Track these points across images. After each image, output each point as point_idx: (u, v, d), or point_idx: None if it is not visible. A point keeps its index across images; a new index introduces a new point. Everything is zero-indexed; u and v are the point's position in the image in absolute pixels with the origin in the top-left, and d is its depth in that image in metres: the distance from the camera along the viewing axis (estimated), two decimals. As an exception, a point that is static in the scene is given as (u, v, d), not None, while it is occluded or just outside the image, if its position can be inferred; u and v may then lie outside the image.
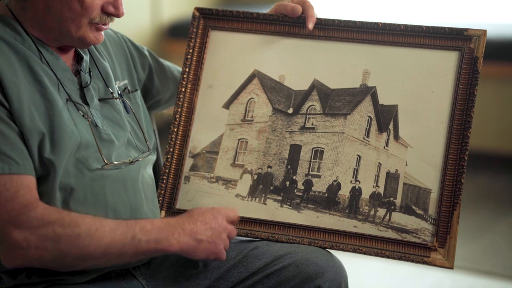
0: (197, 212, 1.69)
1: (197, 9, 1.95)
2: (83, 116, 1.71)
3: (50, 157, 1.62)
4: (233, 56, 1.93)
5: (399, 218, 1.79)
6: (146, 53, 2.01)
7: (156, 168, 1.94)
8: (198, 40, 1.94)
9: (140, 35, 5.31)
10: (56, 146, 1.64)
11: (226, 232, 1.71)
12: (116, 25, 2.02)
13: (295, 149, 1.87)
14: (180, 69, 2.02)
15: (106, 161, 1.70)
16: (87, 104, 1.74)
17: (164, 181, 1.88)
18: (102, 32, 1.74)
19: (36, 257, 1.55)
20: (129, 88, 1.90)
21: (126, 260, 1.64)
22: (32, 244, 1.54)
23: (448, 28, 1.83)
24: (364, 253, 1.78)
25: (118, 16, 1.72)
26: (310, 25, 1.88)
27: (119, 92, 1.86)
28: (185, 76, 1.91)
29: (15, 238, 1.54)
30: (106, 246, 1.58)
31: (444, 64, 1.83)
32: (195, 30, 1.94)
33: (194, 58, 1.93)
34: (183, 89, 1.91)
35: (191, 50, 1.93)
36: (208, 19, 1.95)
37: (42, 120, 1.64)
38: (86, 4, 1.67)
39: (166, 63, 2.07)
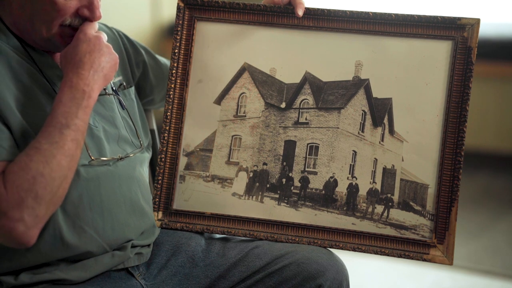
0: (77, 61, 1.63)
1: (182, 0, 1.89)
2: None
3: None
4: (222, 49, 1.89)
5: (397, 214, 1.81)
6: (142, 50, 1.98)
7: (154, 167, 1.93)
8: (184, 32, 1.89)
9: (140, 35, 5.26)
10: None
11: (103, 42, 1.67)
12: (116, 25, 1.98)
13: (290, 145, 1.86)
14: None
15: (92, 157, 1.69)
16: None
17: (160, 181, 1.87)
18: None
19: (28, 216, 1.52)
20: (124, 84, 1.88)
21: (83, 139, 1.61)
22: (25, 216, 1.52)
23: (441, 17, 1.80)
24: (364, 252, 1.80)
25: (93, 19, 1.69)
26: (300, 12, 1.83)
27: (113, 88, 1.83)
28: (173, 71, 1.88)
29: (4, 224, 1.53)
30: (64, 156, 1.55)
31: (437, 54, 1.81)
32: (180, 22, 1.89)
33: (182, 52, 1.89)
34: (172, 85, 1.88)
35: (178, 44, 1.88)
36: (194, 9, 1.89)
37: (25, 119, 1.62)
38: (58, 6, 1.64)
39: (165, 61, 2.03)
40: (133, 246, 1.77)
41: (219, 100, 1.89)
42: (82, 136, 1.59)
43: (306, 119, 1.86)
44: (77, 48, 1.64)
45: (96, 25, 1.69)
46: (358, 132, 1.84)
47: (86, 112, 1.60)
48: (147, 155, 1.88)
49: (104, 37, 1.69)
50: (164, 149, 1.88)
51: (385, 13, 1.82)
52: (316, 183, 1.84)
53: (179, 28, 1.89)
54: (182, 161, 1.89)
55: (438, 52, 1.81)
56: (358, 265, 3.28)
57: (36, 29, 1.66)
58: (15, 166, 1.53)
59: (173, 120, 1.88)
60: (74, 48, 1.64)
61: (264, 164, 1.87)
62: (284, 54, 1.87)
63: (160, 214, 1.87)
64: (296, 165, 1.85)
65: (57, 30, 1.67)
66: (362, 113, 1.84)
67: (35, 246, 1.63)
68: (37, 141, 1.55)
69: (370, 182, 1.83)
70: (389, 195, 1.82)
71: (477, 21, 1.79)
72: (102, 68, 1.64)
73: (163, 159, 1.87)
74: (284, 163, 1.86)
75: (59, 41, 1.68)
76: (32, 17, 1.65)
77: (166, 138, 1.88)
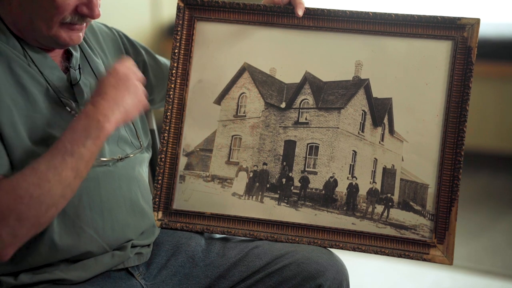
0: (100, 92, 1.62)
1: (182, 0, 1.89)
2: (70, 112, 1.68)
3: (31, 159, 1.61)
4: (222, 49, 1.89)
5: (397, 214, 1.81)
6: (142, 50, 1.98)
7: (154, 167, 1.93)
8: (184, 32, 1.89)
9: (140, 35, 5.26)
10: (36, 148, 1.62)
11: (132, 80, 1.65)
12: (116, 25, 1.98)
13: (290, 145, 1.86)
14: None
15: None
16: (76, 101, 1.72)
17: (160, 181, 1.87)
18: (80, 34, 1.71)
19: (7, 235, 1.51)
20: None
21: (88, 167, 1.58)
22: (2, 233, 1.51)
23: (440, 17, 1.80)
24: (364, 251, 1.80)
25: (93, 17, 1.69)
26: (300, 12, 1.83)
27: None
28: (173, 71, 1.88)
29: None
30: (59, 182, 1.53)
31: (437, 54, 1.81)
32: (180, 22, 1.89)
33: (182, 52, 1.89)
34: (172, 85, 1.88)
35: (178, 44, 1.88)
36: (194, 9, 1.89)
37: (23, 122, 1.62)
38: (57, 3, 1.64)
39: (165, 61, 2.03)
40: (133, 246, 1.77)
41: (219, 100, 1.89)
42: (85, 166, 1.56)
43: (306, 119, 1.86)
44: (104, 81, 1.63)
45: (129, 63, 1.68)
46: (358, 132, 1.84)
47: (95, 143, 1.57)
48: (147, 155, 1.88)
49: (136, 75, 1.67)
50: (164, 149, 1.88)
51: (385, 13, 1.82)
52: (316, 183, 1.84)
53: (179, 28, 1.89)
54: (182, 161, 1.89)
55: (438, 52, 1.81)
56: (358, 265, 3.28)
57: (36, 27, 1.66)
58: (7, 183, 1.52)
59: (173, 120, 1.88)
60: (102, 81, 1.64)
61: (264, 164, 1.87)
62: (284, 54, 1.87)
63: (160, 214, 1.87)
64: (296, 165, 1.85)
65: (58, 28, 1.66)
66: (362, 113, 1.84)
67: (35, 250, 1.64)
68: (37, 161, 1.54)
69: (370, 182, 1.83)
70: (389, 195, 1.82)
71: (477, 21, 1.79)
72: (124, 104, 1.62)
73: (163, 159, 1.87)
74: (284, 163, 1.86)
75: (60, 39, 1.68)
76: (31, 15, 1.65)
77: (166, 138, 1.88)
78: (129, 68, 1.67)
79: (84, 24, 1.71)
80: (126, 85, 1.64)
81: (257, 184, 1.86)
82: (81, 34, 1.71)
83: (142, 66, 1.97)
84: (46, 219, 1.54)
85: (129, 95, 1.63)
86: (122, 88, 1.63)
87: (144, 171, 1.85)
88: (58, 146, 1.55)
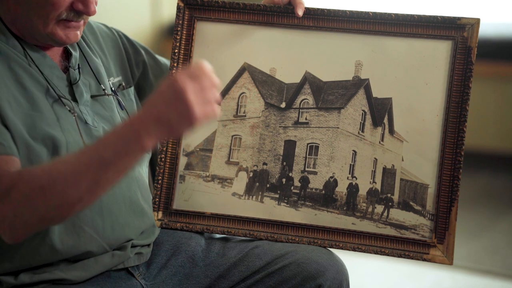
0: (155, 97, 1.41)
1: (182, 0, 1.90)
2: (69, 111, 1.68)
3: (30, 158, 1.60)
4: (222, 49, 1.89)
5: (397, 214, 1.81)
6: (141, 50, 1.97)
7: (154, 167, 1.93)
8: (184, 32, 1.89)
9: (140, 35, 5.26)
10: (36, 146, 1.62)
11: (181, 94, 1.39)
12: (116, 25, 1.98)
13: (290, 145, 1.86)
14: None
15: None
16: (76, 100, 1.72)
17: (160, 181, 1.87)
18: (77, 32, 1.70)
19: (19, 222, 1.47)
20: (123, 84, 1.88)
21: (111, 182, 1.43)
22: (7, 212, 1.47)
23: (440, 17, 1.80)
24: (364, 251, 1.80)
25: (88, 14, 1.68)
26: (300, 12, 1.84)
27: (113, 88, 1.83)
28: (173, 71, 1.88)
29: None
30: (77, 186, 1.42)
31: (437, 54, 1.81)
32: (180, 22, 1.89)
33: (182, 52, 1.89)
34: (172, 85, 1.88)
35: (178, 44, 1.88)
36: (194, 9, 1.89)
37: (23, 121, 1.62)
38: (53, 0, 1.62)
39: (165, 61, 2.03)
40: (133, 246, 1.77)
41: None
42: (115, 172, 1.42)
43: (306, 119, 1.86)
44: (160, 90, 1.42)
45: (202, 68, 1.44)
46: (358, 132, 1.84)
47: (128, 154, 1.40)
48: (147, 155, 1.89)
49: (194, 87, 1.42)
50: (164, 149, 1.88)
51: (385, 13, 1.82)
52: (316, 183, 1.84)
53: (179, 28, 1.89)
54: (182, 161, 1.89)
55: (438, 52, 1.81)
56: (358, 265, 3.28)
57: (34, 24, 1.66)
58: (26, 171, 1.49)
59: (173, 120, 1.88)
60: (158, 89, 1.42)
61: (264, 164, 1.87)
62: (284, 54, 1.87)
63: (160, 214, 1.87)
64: (296, 165, 1.86)
65: (54, 25, 1.66)
66: (362, 113, 1.84)
67: (35, 250, 1.64)
68: (68, 155, 1.49)
69: (370, 182, 1.83)
70: (389, 195, 1.82)
71: (477, 21, 1.79)
72: (169, 121, 1.39)
73: (163, 159, 1.87)
74: (284, 163, 1.86)
75: (57, 36, 1.68)
76: (28, 12, 1.65)
77: (166, 138, 1.88)
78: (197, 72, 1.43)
79: (82, 22, 1.70)
80: (177, 102, 1.39)
81: (257, 184, 1.86)
82: (78, 32, 1.70)
83: (142, 66, 1.97)
84: (64, 211, 1.45)
85: (176, 110, 1.39)
86: (172, 104, 1.39)
87: (144, 171, 1.86)
88: (93, 150, 1.42)
